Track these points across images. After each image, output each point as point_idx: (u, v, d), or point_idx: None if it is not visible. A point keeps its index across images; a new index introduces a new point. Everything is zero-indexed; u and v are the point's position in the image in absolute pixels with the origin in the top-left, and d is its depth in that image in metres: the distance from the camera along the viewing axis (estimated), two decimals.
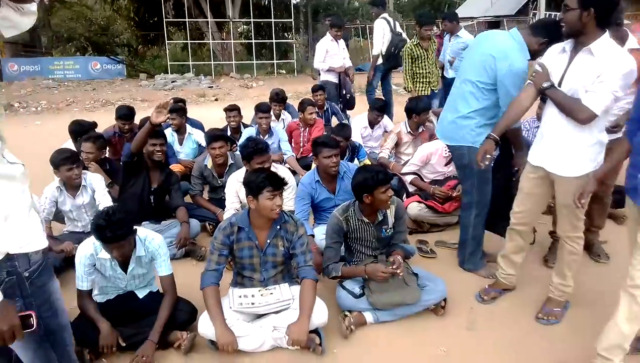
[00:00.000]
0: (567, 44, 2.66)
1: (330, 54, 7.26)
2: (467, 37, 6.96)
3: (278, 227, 2.87)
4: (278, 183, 2.75)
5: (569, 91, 2.59)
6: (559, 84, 2.65)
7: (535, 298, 3.16)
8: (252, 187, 2.74)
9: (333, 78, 7.35)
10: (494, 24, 25.47)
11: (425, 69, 6.50)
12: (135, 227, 2.76)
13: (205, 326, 2.71)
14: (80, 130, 4.76)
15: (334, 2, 30.91)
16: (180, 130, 5.56)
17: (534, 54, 3.05)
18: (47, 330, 1.62)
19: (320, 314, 2.77)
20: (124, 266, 2.82)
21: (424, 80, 6.55)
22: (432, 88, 6.62)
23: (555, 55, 2.71)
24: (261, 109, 5.51)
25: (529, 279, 3.42)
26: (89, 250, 2.75)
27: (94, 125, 5.04)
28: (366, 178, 2.95)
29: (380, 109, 5.90)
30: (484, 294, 3.21)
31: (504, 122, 2.92)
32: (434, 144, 4.58)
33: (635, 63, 2.47)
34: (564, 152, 2.67)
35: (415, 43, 6.41)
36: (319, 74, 7.52)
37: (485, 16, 25.68)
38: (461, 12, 29.07)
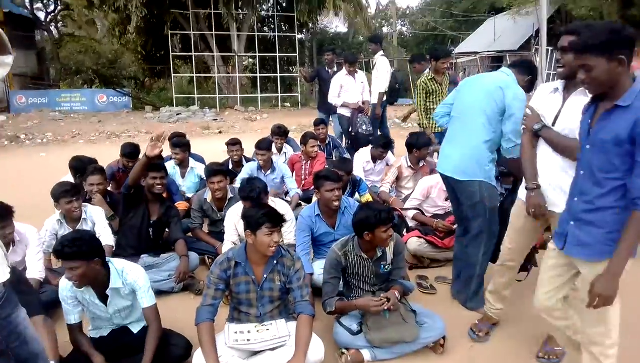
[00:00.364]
0: (559, 85, 2.68)
1: (345, 88, 7.28)
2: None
3: (275, 261, 2.85)
4: (277, 220, 2.75)
5: (563, 131, 2.60)
6: (553, 124, 2.66)
7: (533, 334, 3.11)
8: (251, 222, 2.73)
9: (346, 113, 7.32)
10: (497, 58, 25.88)
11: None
12: (106, 257, 2.76)
13: (199, 361, 2.67)
14: (80, 166, 4.79)
15: (339, 37, 31.63)
16: (182, 164, 5.59)
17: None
18: (19, 359, 1.63)
19: (316, 351, 2.72)
20: (103, 299, 2.79)
21: None
22: None
23: (548, 95, 2.72)
24: (260, 146, 5.41)
25: (527, 315, 3.36)
26: (68, 282, 2.73)
27: (93, 161, 5.08)
28: (368, 216, 2.94)
29: (384, 145, 5.91)
30: (477, 330, 3.17)
31: (530, 167, 2.77)
32: (434, 177, 4.60)
33: None
34: (560, 189, 2.64)
35: (429, 77, 6.14)
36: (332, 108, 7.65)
37: (488, 51, 26.07)
38: (464, 46, 29.66)
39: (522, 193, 2.86)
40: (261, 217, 2.70)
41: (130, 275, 2.82)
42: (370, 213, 2.94)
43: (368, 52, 22.37)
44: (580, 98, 2.55)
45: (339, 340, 2.98)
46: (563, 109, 2.63)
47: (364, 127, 7.06)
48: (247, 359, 2.78)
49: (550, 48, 16.27)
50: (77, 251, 2.54)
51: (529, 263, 3.43)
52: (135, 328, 2.96)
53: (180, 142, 5.54)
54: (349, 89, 7.28)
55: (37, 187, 5.86)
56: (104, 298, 2.78)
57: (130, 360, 2.79)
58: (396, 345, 2.90)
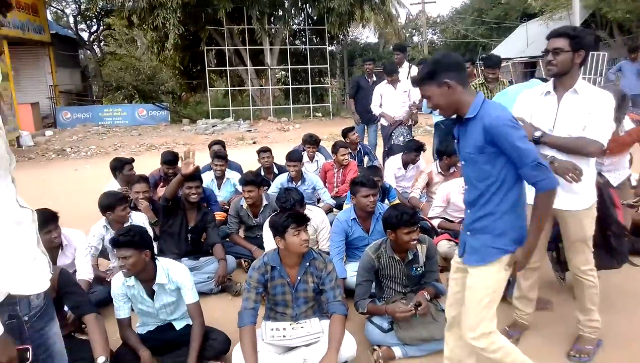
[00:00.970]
0: (548, 87, 2.79)
1: (385, 98, 7.19)
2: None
3: (307, 264, 2.99)
4: (301, 220, 2.90)
5: (566, 131, 2.69)
6: (553, 126, 2.75)
7: (564, 336, 3.15)
8: (277, 227, 2.90)
9: (385, 123, 7.26)
10: (530, 64, 25.48)
11: None
12: (155, 256, 3.04)
13: (238, 358, 2.83)
14: (119, 165, 5.18)
15: (369, 47, 31.81)
16: (219, 176, 5.82)
17: None
18: None
19: (349, 347, 2.84)
20: (150, 294, 3.01)
21: None
22: None
23: (541, 98, 2.82)
24: (290, 158, 5.50)
25: (556, 317, 3.42)
26: (120, 280, 2.98)
27: (131, 160, 5.40)
28: (391, 216, 3.08)
29: (416, 149, 5.99)
30: (507, 337, 3.18)
31: None
32: (451, 182, 4.70)
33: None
34: (572, 189, 2.72)
35: (480, 82, 6.17)
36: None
37: (521, 57, 25.72)
38: (497, 53, 29.29)
39: (529, 198, 2.93)
40: (285, 220, 2.86)
41: (175, 274, 3.03)
42: (393, 213, 3.07)
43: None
44: (573, 96, 2.69)
45: (371, 338, 3.09)
46: (560, 109, 2.73)
47: (401, 138, 6.95)
48: (283, 354, 2.92)
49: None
50: (130, 240, 2.82)
51: (626, 248, 3.33)
52: (178, 325, 3.16)
53: (222, 154, 5.80)
54: (389, 99, 7.16)
55: (84, 196, 6.21)
56: (151, 294, 2.99)
57: (173, 355, 2.99)
58: (426, 342, 2.99)
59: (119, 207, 4.02)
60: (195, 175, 4.33)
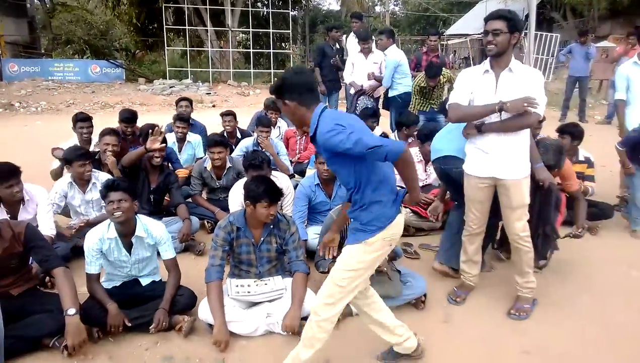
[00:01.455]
0: (486, 66, 3.02)
1: (356, 67, 7.18)
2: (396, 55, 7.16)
3: (271, 226, 3.14)
4: (275, 196, 3.02)
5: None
6: (494, 97, 2.96)
7: (505, 295, 3.47)
8: (251, 194, 3.01)
9: (351, 92, 7.28)
10: None
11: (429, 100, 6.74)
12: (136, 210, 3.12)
13: (204, 311, 2.97)
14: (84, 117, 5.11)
15: (331, 15, 31.50)
16: (181, 138, 5.79)
17: None
18: None
19: (310, 303, 3.02)
20: (128, 248, 3.08)
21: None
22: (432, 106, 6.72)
23: (481, 76, 3.05)
24: (263, 123, 5.44)
25: (498, 279, 3.76)
26: (97, 236, 3.03)
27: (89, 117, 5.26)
28: None
29: (372, 115, 6.17)
30: (455, 297, 3.47)
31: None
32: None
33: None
34: (512, 160, 3.02)
35: (421, 85, 6.63)
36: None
37: (478, 33, 26.17)
38: (455, 28, 29.70)
39: (468, 168, 3.22)
40: (261, 192, 2.98)
41: (154, 230, 3.14)
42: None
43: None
44: (509, 75, 2.95)
45: None
46: (498, 86, 2.97)
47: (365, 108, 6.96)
48: (247, 309, 3.09)
49: (539, 33, 16.51)
50: (128, 186, 3.00)
51: (550, 249, 3.67)
52: (144, 282, 3.26)
53: (184, 117, 5.76)
54: (359, 68, 7.14)
55: (36, 154, 6.05)
56: (128, 248, 3.08)
57: (140, 309, 3.07)
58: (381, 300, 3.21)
59: (77, 162, 4.00)
60: (146, 137, 4.34)
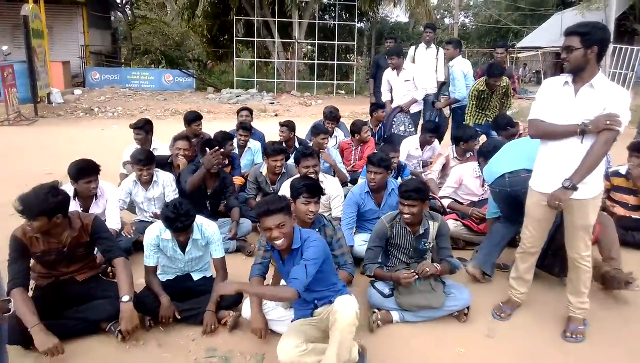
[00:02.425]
0: (567, 78, 2.90)
1: (391, 84, 7.10)
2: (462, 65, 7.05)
3: (317, 229, 3.21)
4: (314, 191, 3.10)
5: (584, 118, 2.79)
6: (567, 114, 2.86)
7: (553, 314, 3.36)
8: (293, 190, 3.12)
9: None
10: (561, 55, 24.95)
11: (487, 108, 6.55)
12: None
13: (248, 309, 3.09)
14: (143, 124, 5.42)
15: (399, 27, 31.39)
16: (242, 145, 6.04)
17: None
18: None
19: (351, 304, 3.04)
20: (182, 248, 3.26)
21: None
22: (487, 118, 6.54)
23: (560, 88, 2.93)
24: (320, 130, 5.65)
25: (546, 296, 3.64)
26: (155, 233, 3.23)
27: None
28: (400, 186, 3.41)
29: (432, 130, 6.14)
30: (499, 312, 3.39)
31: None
32: (466, 165, 4.85)
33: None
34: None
35: (481, 88, 6.46)
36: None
37: (552, 46, 25.20)
38: (528, 41, 28.75)
39: (533, 184, 3.09)
40: (301, 186, 3.07)
41: (208, 230, 3.30)
42: (400, 185, 3.36)
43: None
44: (589, 90, 2.81)
45: (372, 301, 3.33)
46: (576, 102, 2.85)
47: (402, 128, 6.80)
48: (289, 309, 3.17)
49: (618, 46, 15.68)
50: (191, 221, 3.11)
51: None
52: (196, 277, 3.43)
53: (246, 126, 6.03)
54: (394, 86, 7.04)
55: (110, 155, 6.50)
56: (182, 248, 3.27)
57: (190, 302, 3.25)
58: (423, 310, 3.21)
59: (136, 166, 4.31)
60: (220, 145, 4.56)
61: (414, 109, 7.05)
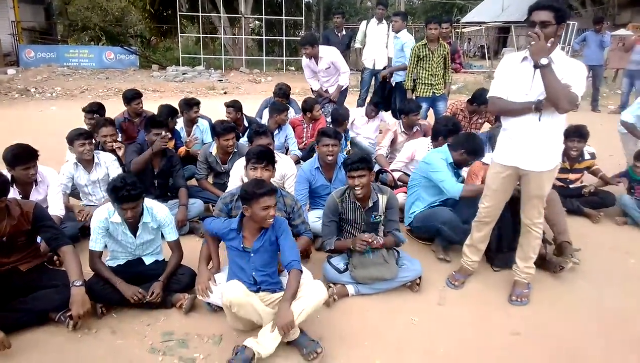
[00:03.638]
0: (526, 53, 2.93)
1: (312, 74, 6.96)
2: (406, 37, 7.16)
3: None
4: (261, 157, 3.13)
5: (540, 95, 2.87)
6: (529, 90, 2.91)
7: (501, 281, 3.54)
8: (245, 159, 3.21)
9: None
10: (504, 29, 25.70)
11: (428, 71, 6.47)
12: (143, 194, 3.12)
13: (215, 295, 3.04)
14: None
15: (347, 1, 31.20)
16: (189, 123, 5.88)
17: (459, 164, 3.98)
18: None
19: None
20: (133, 231, 3.18)
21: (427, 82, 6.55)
22: (434, 91, 6.54)
23: (519, 64, 2.98)
24: (282, 108, 5.74)
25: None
26: (103, 215, 3.12)
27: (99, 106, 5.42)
28: (345, 160, 3.49)
29: (375, 104, 6.31)
30: (453, 280, 3.53)
31: None
32: (419, 140, 4.95)
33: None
34: (539, 151, 2.98)
35: (423, 43, 6.47)
36: None
37: (495, 21, 25.86)
38: (472, 16, 29.37)
39: (499, 158, 3.18)
40: (249, 153, 3.10)
41: (159, 213, 3.22)
42: (347, 158, 3.44)
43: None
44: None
45: (328, 277, 3.38)
46: (536, 77, 2.87)
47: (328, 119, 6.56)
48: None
49: None
50: (138, 194, 2.96)
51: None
52: (148, 261, 3.35)
53: (196, 101, 5.86)
54: (313, 76, 6.99)
55: (50, 137, 6.20)
56: (134, 231, 3.18)
57: (143, 288, 3.14)
58: (377, 282, 3.28)
59: (77, 141, 4.11)
60: (162, 122, 4.42)
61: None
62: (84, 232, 3.98)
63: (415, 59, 6.50)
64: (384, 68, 7.66)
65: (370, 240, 3.24)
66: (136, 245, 3.24)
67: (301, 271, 2.95)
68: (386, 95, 7.72)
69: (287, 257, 2.84)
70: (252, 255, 2.87)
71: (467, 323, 3.06)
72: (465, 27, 26.82)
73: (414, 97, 6.61)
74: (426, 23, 6.56)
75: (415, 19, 31.83)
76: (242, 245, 2.89)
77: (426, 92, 6.56)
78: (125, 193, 2.88)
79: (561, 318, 3.12)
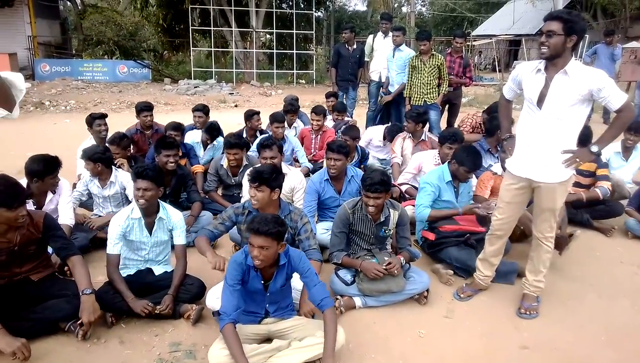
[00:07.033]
0: (540, 65, 2.92)
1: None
2: (407, 51, 7.39)
3: (284, 217, 3.21)
4: (254, 177, 3.11)
5: (553, 108, 2.84)
6: (538, 102, 2.90)
7: (509, 294, 3.51)
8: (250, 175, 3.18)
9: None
10: (514, 42, 25.70)
11: (421, 80, 6.82)
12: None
13: (211, 300, 3.08)
14: (89, 120, 5.23)
15: (357, 15, 31.48)
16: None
17: (457, 177, 4.02)
18: None
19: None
20: (149, 228, 3.27)
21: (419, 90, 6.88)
22: (426, 100, 6.85)
23: (532, 75, 2.96)
24: (277, 119, 5.76)
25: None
26: (124, 215, 3.23)
27: (102, 115, 5.35)
28: (363, 178, 3.39)
29: (395, 131, 6.22)
30: (461, 292, 3.51)
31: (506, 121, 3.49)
32: (426, 153, 4.96)
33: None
34: (551, 162, 2.95)
35: (416, 55, 6.92)
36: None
37: (506, 34, 25.87)
38: (483, 29, 29.41)
39: (511, 168, 3.16)
40: (250, 173, 3.14)
41: (173, 215, 3.34)
42: (365, 176, 3.37)
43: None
44: (563, 78, 2.82)
45: (335, 289, 3.38)
46: (550, 89, 2.86)
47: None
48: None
49: None
50: (155, 175, 3.18)
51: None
52: (157, 271, 3.39)
53: (200, 106, 5.97)
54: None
55: (63, 150, 6.27)
56: (149, 229, 3.28)
57: (151, 298, 3.18)
58: (385, 294, 3.28)
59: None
60: (173, 143, 4.46)
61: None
62: (95, 243, 4.04)
63: (411, 69, 6.89)
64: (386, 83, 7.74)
65: (388, 269, 3.20)
66: (150, 246, 3.31)
67: (321, 262, 3.04)
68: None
69: (315, 297, 2.69)
70: (268, 294, 2.81)
71: (475, 336, 3.04)
72: (476, 40, 26.86)
73: (409, 107, 6.90)
74: (416, 39, 6.99)
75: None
76: (262, 282, 2.75)
77: (419, 100, 6.90)
78: (142, 169, 3.17)
79: (570, 332, 3.09)
